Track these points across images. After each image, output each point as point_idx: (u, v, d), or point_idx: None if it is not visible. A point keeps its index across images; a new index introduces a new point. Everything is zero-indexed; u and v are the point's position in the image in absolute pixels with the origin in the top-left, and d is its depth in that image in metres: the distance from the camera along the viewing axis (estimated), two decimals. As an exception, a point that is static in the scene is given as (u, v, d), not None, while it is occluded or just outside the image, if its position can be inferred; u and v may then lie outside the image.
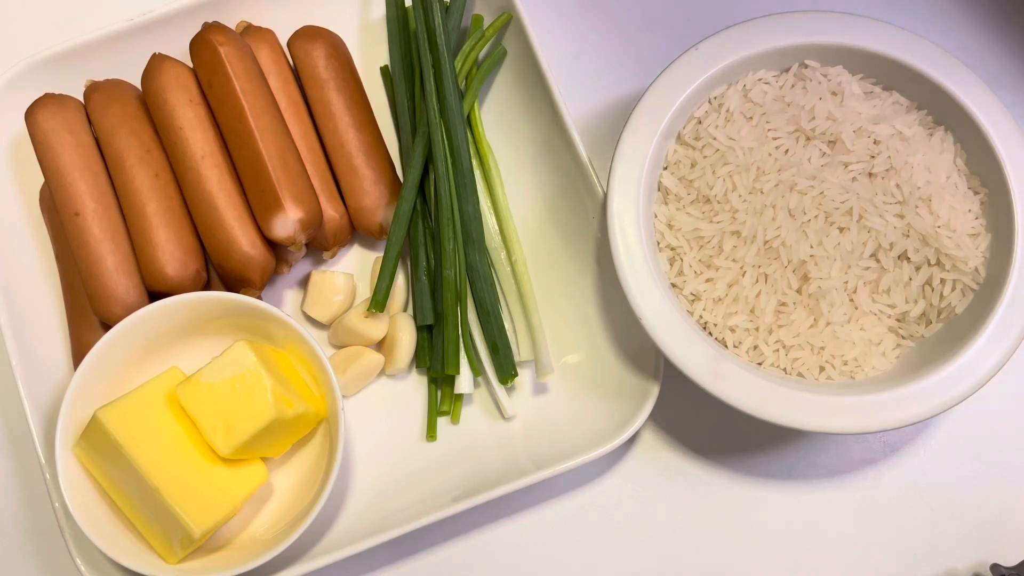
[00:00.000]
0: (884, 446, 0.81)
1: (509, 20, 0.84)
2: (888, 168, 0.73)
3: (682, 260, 0.74)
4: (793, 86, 0.77)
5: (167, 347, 0.77)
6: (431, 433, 0.79)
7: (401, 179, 0.83)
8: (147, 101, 0.79)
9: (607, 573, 0.78)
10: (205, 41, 0.77)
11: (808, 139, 0.75)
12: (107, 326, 0.75)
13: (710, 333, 0.74)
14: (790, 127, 0.75)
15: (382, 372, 0.81)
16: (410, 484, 0.78)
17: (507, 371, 0.78)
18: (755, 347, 0.74)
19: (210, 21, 0.80)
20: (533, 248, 0.83)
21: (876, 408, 0.70)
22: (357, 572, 0.78)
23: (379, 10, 0.88)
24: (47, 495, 0.76)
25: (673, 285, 0.75)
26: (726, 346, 0.74)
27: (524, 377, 0.81)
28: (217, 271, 0.78)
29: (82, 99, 0.80)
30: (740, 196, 0.73)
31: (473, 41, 0.84)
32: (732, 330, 0.74)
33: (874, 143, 0.74)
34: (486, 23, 0.85)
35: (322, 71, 0.82)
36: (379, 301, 0.78)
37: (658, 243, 0.75)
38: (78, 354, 0.77)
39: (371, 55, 0.88)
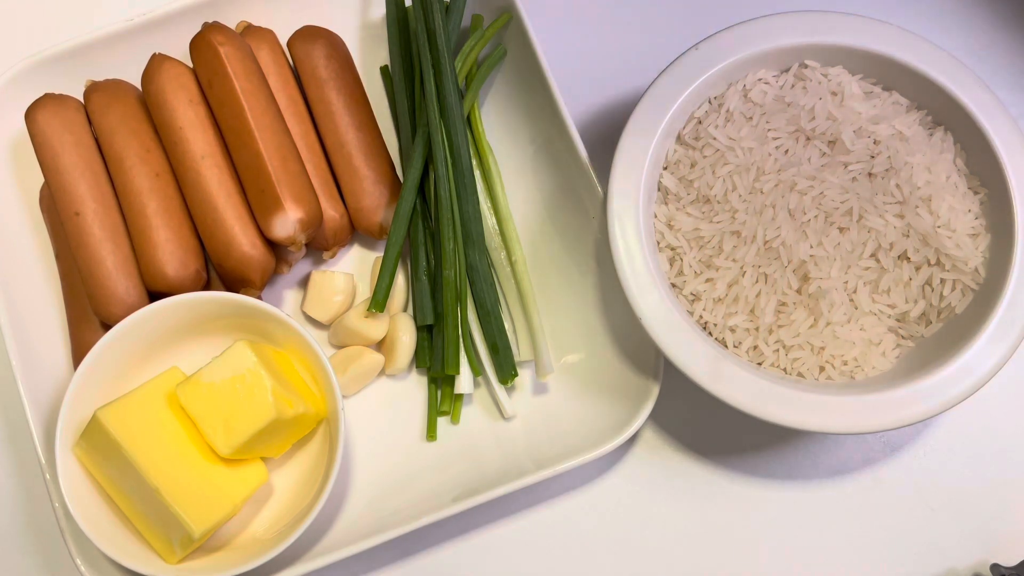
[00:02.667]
0: (884, 446, 0.81)
1: (509, 20, 0.84)
2: (888, 168, 0.73)
3: (682, 260, 0.74)
4: (793, 86, 0.77)
5: (167, 347, 0.77)
6: (431, 433, 0.79)
7: (401, 179, 0.83)
8: (147, 101, 0.79)
9: (607, 573, 0.78)
10: (205, 41, 0.77)
11: (808, 139, 0.75)
12: (107, 326, 0.75)
13: (710, 333, 0.74)
14: (790, 127, 0.75)
15: (382, 372, 0.81)
16: (410, 484, 0.78)
17: (507, 371, 0.78)
18: (755, 347, 0.74)
19: (210, 21, 0.80)
20: (533, 248, 0.83)
21: (876, 408, 0.70)
22: (357, 572, 0.78)
23: (379, 10, 0.88)
24: (47, 495, 0.76)
25: (673, 285, 0.75)
26: (726, 346, 0.74)
27: (524, 377, 0.81)
28: (217, 271, 0.78)
29: (82, 99, 0.80)
30: (740, 196, 0.73)
31: (473, 41, 0.84)
32: (732, 330, 0.74)
33: (874, 143, 0.74)
34: (486, 23, 0.85)
35: (322, 71, 0.82)
36: (379, 301, 0.78)
37: (658, 243, 0.75)
38: (78, 354, 0.77)
39: (371, 55, 0.88)
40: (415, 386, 0.81)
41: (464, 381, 0.79)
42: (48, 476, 0.74)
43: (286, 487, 0.77)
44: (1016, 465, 0.81)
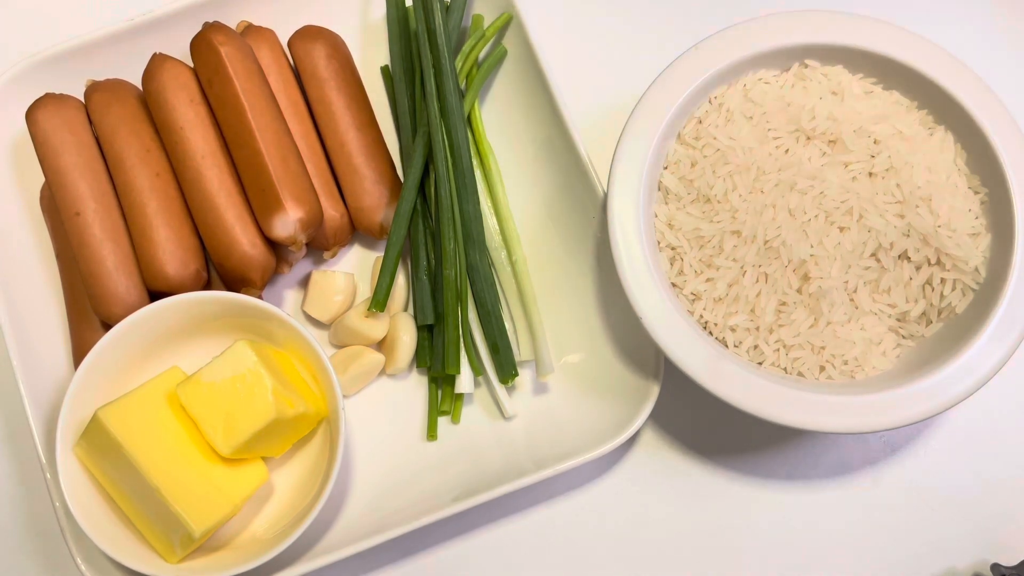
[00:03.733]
0: (884, 446, 0.81)
1: (509, 20, 0.84)
2: (888, 168, 0.73)
3: (682, 260, 0.74)
4: (793, 86, 0.77)
5: (167, 347, 0.77)
6: (431, 433, 0.79)
7: (401, 179, 0.83)
8: (147, 101, 0.79)
9: (607, 573, 0.78)
10: (206, 41, 0.77)
11: (808, 139, 0.75)
12: (107, 326, 0.75)
13: (710, 333, 0.74)
14: (790, 127, 0.75)
15: (382, 372, 0.81)
16: (410, 484, 0.78)
17: (507, 371, 0.78)
18: (755, 347, 0.74)
19: (210, 21, 0.80)
20: (533, 248, 0.83)
21: (876, 408, 0.70)
22: (357, 572, 0.78)
23: (379, 10, 0.88)
24: (47, 495, 0.76)
25: (673, 285, 0.75)
26: (726, 346, 0.74)
27: (524, 377, 0.81)
28: (217, 271, 0.78)
29: (83, 99, 0.80)
30: (740, 196, 0.73)
31: (473, 41, 0.84)
32: (732, 330, 0.74)
33: (874, 143, 0.74)
34: (486, 23, 0.85)
35: (322, 71, 0.82)
36: (379, 301, 0.78)
37: (658, 243, 0.75)
38: (78, 354, 0.77)
39: (371, 55, 0.88)
40: (415, 386, 0.81)
41: (464, 381, 0.79)
42: (48, 476, 0.74)
43: (286, 487, 0.77)
44: (1016, 465, 0.81)
